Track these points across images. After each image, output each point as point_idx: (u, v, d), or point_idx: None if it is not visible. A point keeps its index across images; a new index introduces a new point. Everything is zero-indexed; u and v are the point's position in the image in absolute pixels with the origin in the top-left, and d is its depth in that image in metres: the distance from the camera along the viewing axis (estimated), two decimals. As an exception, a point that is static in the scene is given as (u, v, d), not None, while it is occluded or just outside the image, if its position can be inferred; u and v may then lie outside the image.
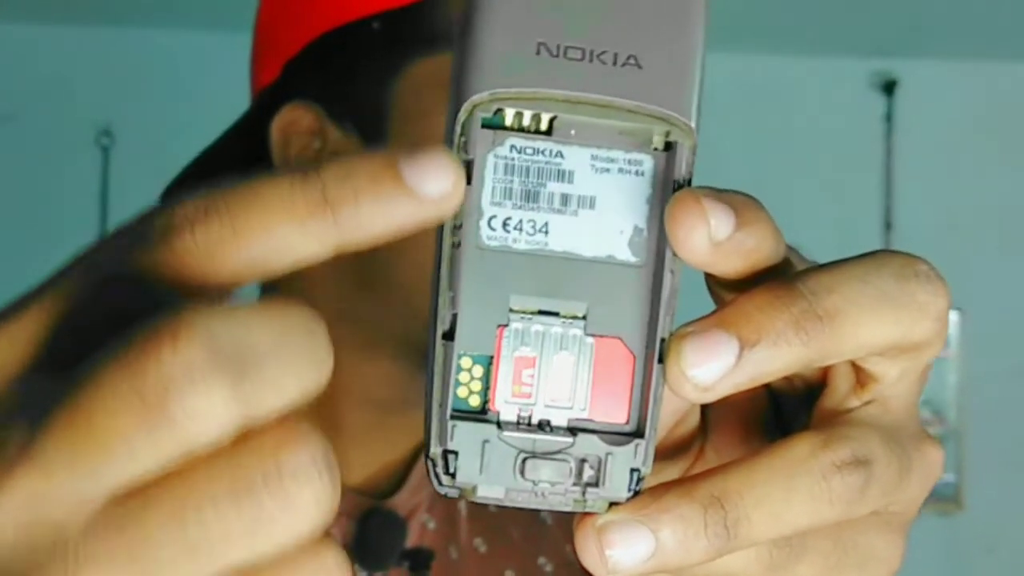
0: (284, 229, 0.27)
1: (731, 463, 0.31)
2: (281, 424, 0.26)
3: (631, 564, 0.30)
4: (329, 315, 0.89)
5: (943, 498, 3.31)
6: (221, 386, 0.24)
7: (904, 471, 0.32)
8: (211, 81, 2.96)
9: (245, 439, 0.25)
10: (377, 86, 0.76)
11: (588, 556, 0.30)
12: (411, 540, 0.78)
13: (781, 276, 0.31)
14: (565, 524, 0.73)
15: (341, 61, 0.78)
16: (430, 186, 0.27)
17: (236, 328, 0.25)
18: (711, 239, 0.30)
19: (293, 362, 0.27)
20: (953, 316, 3.33)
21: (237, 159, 0.82)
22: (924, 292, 0.32)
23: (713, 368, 0.29)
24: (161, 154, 2.31)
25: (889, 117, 3.27)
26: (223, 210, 0.27)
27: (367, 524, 0.76)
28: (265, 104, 0.79)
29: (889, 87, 3.28)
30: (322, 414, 0.81)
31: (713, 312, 0.30)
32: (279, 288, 0.80)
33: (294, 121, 0.78)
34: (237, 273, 0.27)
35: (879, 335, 0.31)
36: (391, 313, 0.76)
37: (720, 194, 0.30)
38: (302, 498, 0.25)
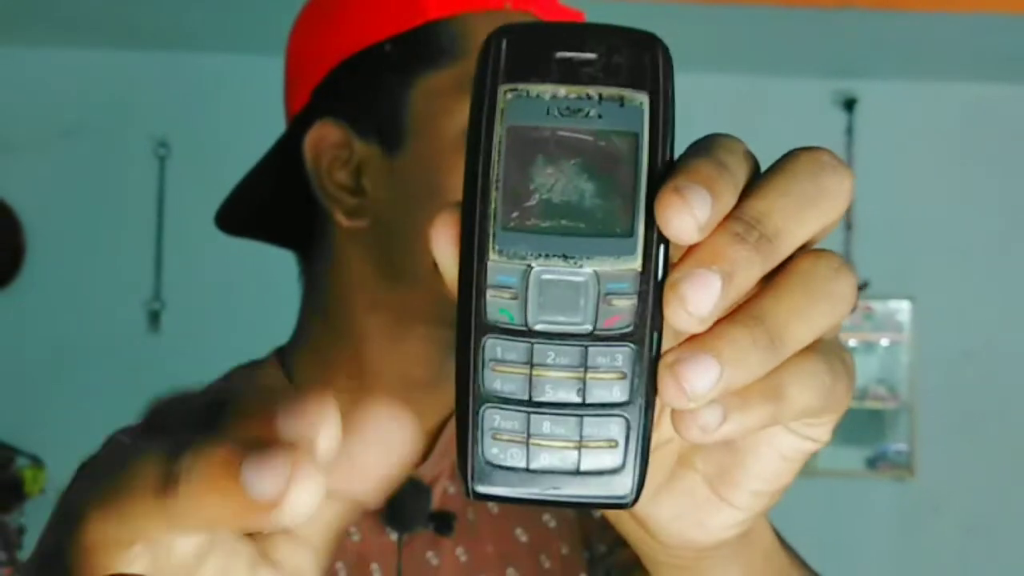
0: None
1: (760, 292, 0.32)
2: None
3: (704, 389, 0.30)
4: (364, 304, 0.89)
5: (897, 465, 3.31)
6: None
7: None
8: (255, 98, 2.95)
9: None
10: (393, 100, 0.76)
11: (668, 392, 0.31)
12: (435, 504, 0.78)
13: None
14: None
15: (361, 81, 0.78)
16: (266, 488, 0.26)
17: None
18: (698, 224, 0.31)
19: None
20: (905, 305, 3.33)
21: (276, 179, 0.83)
22: (831, 180, 0.33)
23: (707, 298, 0.30)
24: (212, 163, 2.32)
25: (850, 131, 3.26)
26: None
27: (397, 490, 0.76)
28: (297, 128, 0.79)
29: (849, 104, 3.28)
30: (358, 390, 0.81)
31: (685, 257, 0.31)
32: (325, 291, 0.80)
33: (324, 136, 0.78)
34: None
35: (809, 231, 0.33)
36: (417, 301, 0.76)
37: (691, 175, 0.31)
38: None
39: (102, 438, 0.79)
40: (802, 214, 0.32)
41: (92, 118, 3.21)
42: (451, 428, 0.80)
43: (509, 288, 0.31)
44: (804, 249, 0.34)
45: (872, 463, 3.33)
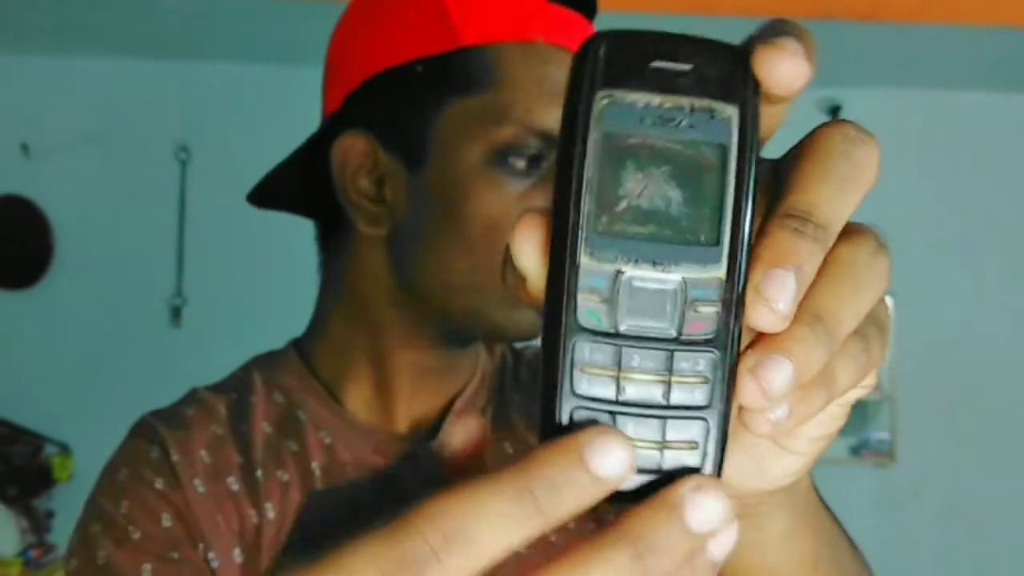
0: (508, 541, 0.28)
1: (812, 285, 0.32)
2: None
3: (781, 389, 0.31)
4: (382, 300, 0.89)
5: (879, 452, 3.32)
6: None
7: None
8: (272, 105, 2.97)
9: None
10: (420, 120, 0.76)
11: (749, 393, 0.31)
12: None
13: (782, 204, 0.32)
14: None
15: (391, 97, 0.77)
16: (611, 468, 0.28)
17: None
18: (803, 73, 0.31)
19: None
20: (888, 301, 3.33)
21: (305, 173, 0.83)
22: (862, 154, 0.33)
23: (787, 295, 0.30)
24: (231, 167, 2.33)
25: (834, 135, 3.27)
26: (462, 538, 0.27)
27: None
28: (329, 129, 0.80)
29: (834, 111, 3.28)
30: (377, 377, 0.83)
31: (753, 263, 0.31)
32: (344, 285, 0.81)
33: (351, 146, 0.78)
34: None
35: (851, 208, 0.33)
36: (425, 307, 0.77)
37: (776, 31, 0.32)
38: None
39: (126, 426, 0.80)
40: (845, 196, 0.32)
41: (117, 124, 3.22)
42: (458, 405, 0.81)
43: (599, 291, 0.31)
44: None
45: (855, 450, 3.33)
